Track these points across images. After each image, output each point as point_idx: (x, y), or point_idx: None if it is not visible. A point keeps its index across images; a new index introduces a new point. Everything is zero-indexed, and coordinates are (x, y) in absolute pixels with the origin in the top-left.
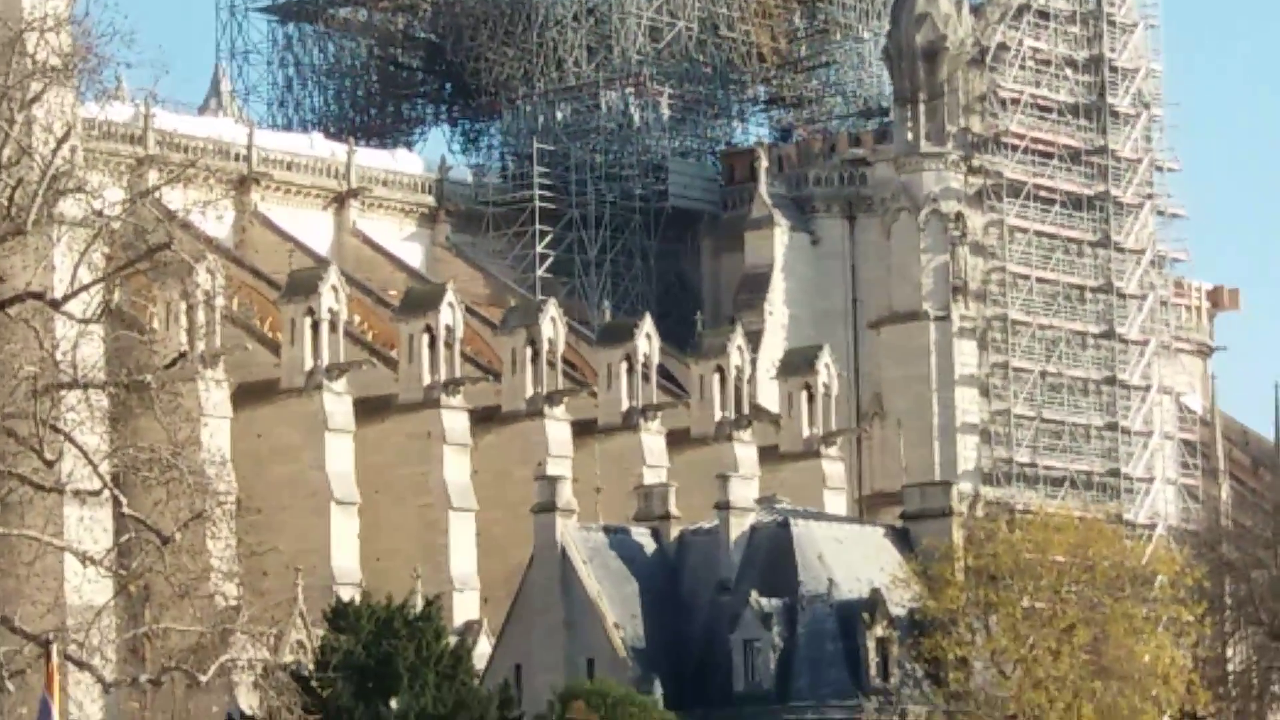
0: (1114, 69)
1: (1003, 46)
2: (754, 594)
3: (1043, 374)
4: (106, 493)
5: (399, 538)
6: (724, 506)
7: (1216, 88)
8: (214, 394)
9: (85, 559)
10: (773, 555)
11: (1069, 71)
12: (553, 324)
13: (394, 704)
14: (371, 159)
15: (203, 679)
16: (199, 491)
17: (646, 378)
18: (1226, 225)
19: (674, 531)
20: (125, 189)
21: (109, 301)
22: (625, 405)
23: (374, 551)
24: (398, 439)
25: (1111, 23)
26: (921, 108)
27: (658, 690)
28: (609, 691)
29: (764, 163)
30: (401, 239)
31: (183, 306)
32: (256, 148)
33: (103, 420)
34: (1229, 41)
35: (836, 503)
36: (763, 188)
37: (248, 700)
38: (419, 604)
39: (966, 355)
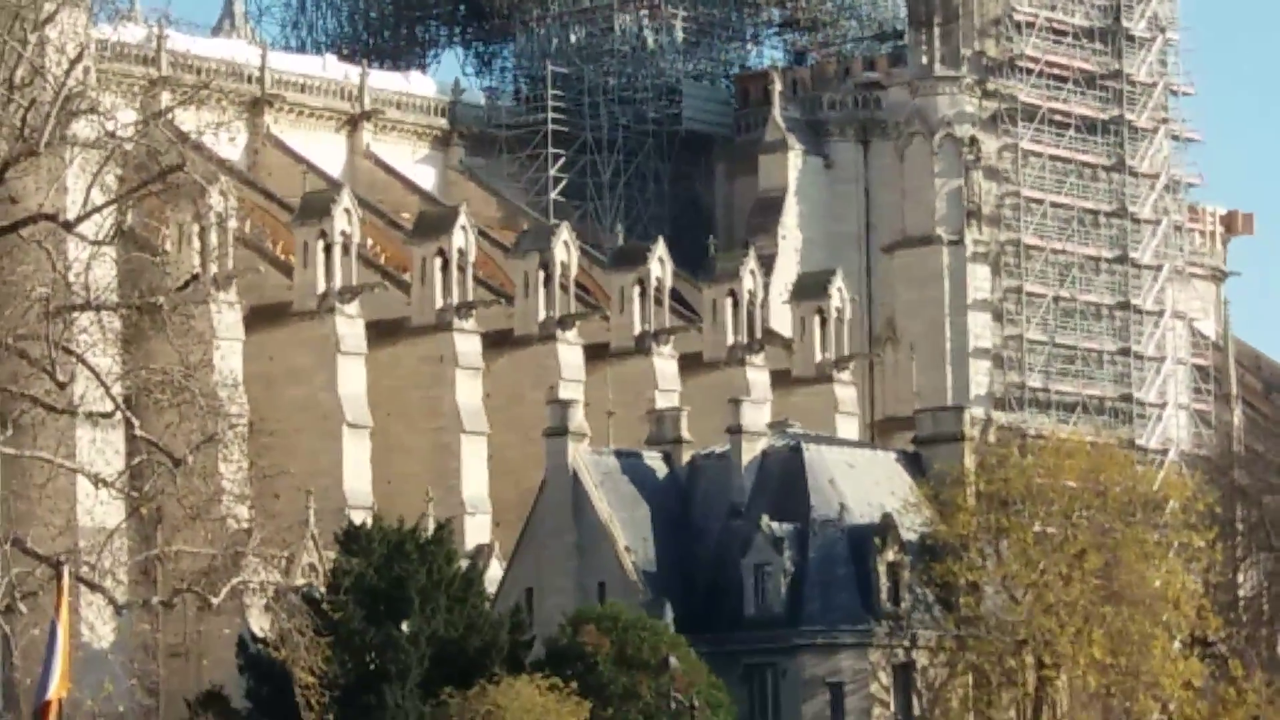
0: None
1: None
2: (765, 518)
3: (1056, 299)
4: (118, 415)
5: (411, 461)
6: (736, 431)
7: (1232, 11)
8: (226, 316)
9: (97, 481)
10: (784, 480)
11: None
12: (565, 248)
13: (405, 627)
14: (384, 81)
15: (214, 601)
16: (211, 414)
17: (659, 302)
18: (1241, 150)
19: (685, 456)
20: (138, 110)
21: (121, 223)
22: (637, 329)
23: (386, 475)
24: (410, 362)
25: None
26: (936, 31)
27: (668, 614)
28: (620, 615)
29: (778, 86)
30: (414, 162)
31: (195, 229)
32: (269, 70)
33: (115, 342)
34: None
35: (848, 427)
36: (776, 111)
37: (259, 623)
38: (430, 527)
39: (980, 280)
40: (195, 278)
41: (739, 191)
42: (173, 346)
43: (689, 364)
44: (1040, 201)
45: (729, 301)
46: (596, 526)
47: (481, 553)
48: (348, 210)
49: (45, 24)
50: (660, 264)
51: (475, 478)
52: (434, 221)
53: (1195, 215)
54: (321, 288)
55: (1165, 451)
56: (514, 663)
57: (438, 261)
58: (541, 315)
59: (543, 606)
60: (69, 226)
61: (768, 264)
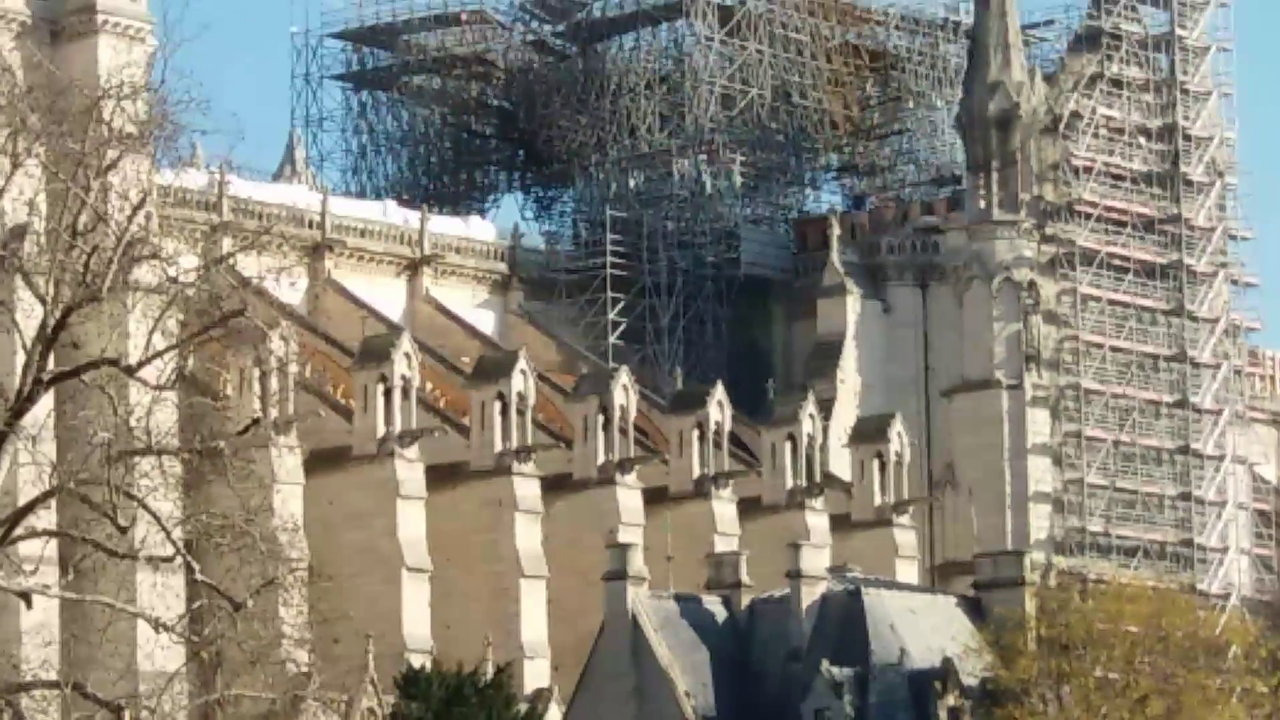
0: (1187, 137)
1: (1076, 115)
2: (825, 663)
3: (1116, 443)
4: (179, 559)
5: (470, 605)
6: (795, 575)
7: None
8: (287, 460)
9: (158, 625)
10: (844, 624)
11: (1142, 140)
12: (624, 391)
13: None
14: (444, 226)
15: None
16: (271, 558)
17: (718, 445)
18: None
19: (745, 600)
20: (200, 256)
21: (183, 368)
22: (697, 473)
23: (445, 618)
24: (469, 506)
25: (1185, 91)
26: (994, 176)
27: None
28: None
29: (836, 230)
30: (474, 306)
31: (256, 373)
32: (330, 215)
33: (176, 486)
34: None
35: (908, 572)
36: (835, 255)
37: None
38: (490, 671)
39: (1039, 424)
40: (256, 422)
41: (798, 335)
42: (233, 491)
43: (748, 508)
44: (1099, 346)
45: (788, 445)
46: (656, 671)
47: (540, 697)
48: (407, 354)
49: (108, 170)
50: (719, 408)
51: (534, 622)
52: (493, 366)
53: (1255, 360)
54: (381, 432)
55: (1227, 597)
56: None
57: (497, 405)
58: (601, 459)
59: None
60: (131, 371)
61: (826, 408)
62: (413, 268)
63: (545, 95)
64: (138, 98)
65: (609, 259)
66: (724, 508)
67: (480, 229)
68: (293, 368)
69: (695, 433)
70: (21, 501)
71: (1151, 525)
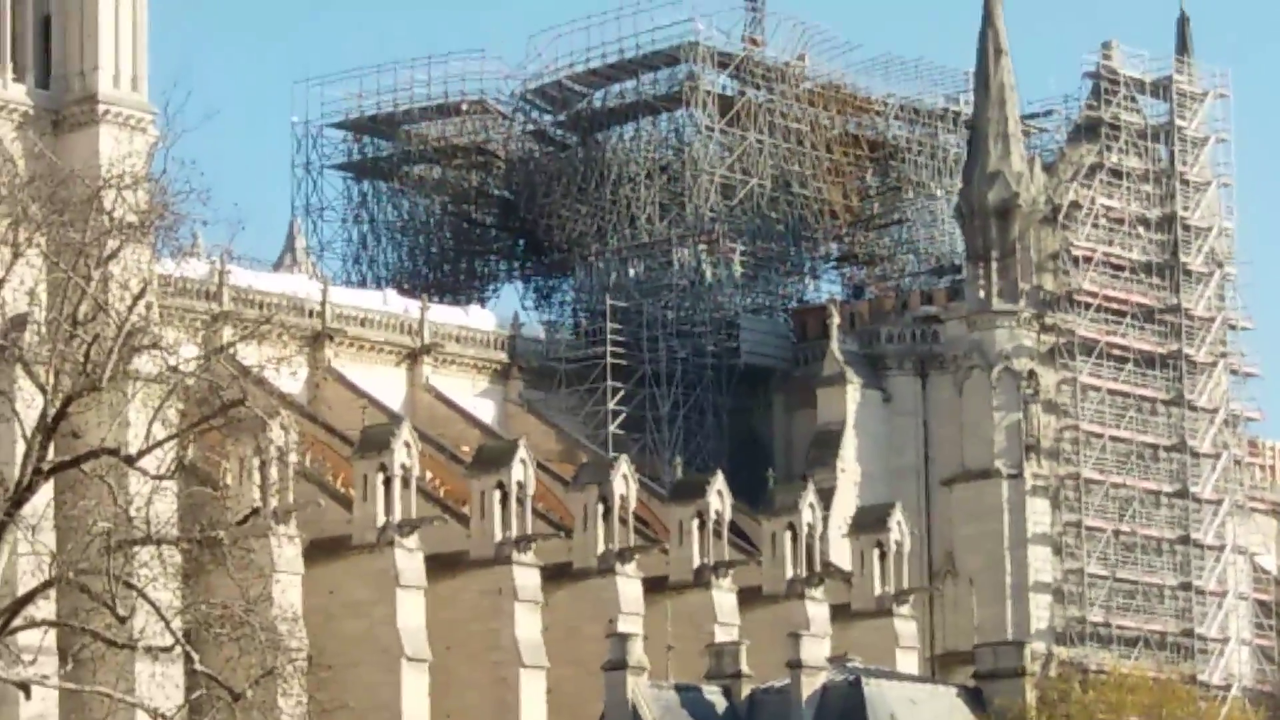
0: (1187, 227)
1: (1075, 204)
2: None
3: (1116, 533)
4: (178, 649)
5: (469, 694)
6: (796, 665)
7: None
8: (286, 550)
9: (157, 715)
10: (845, 715)
11: (1141, 230)
12: (624, 480)
13: None
14: (445, 315)
15: None
16: (270, 648)
17: (718, 534)
18: None
19: (745, 690)
20: (200, 345)
21: (182, 457)
22: (697, 562)
23: (444, 708)
24: (469, 595)
25: (1184, 181)
26: (994, 265)
27: None
28: None
29: (836, 319)
30: (474, 395)
31: (256, 462)
32: (330, 304)
33: (175, 576)
34: None
35: (909, 662)
36: (835, 344)
37: None
38: None
39: (1039, 513)
40: (255, 512)
41: (797, 424)
42: (233, 580)
43: (748, 597)
44: (1099, 435)
45: (788, 535)
46: None
47: None
48: (407, 444)
49: (109, 260)
50: (719, 497)
51: (534, 712)
52: (493, 455)
53: (1255, 450)
54: (381, 521)
55: (1228, 687)
56: None
57: (497, 494)
58: (600, 548)
59: None
60: (130, 461)
61: (826, 497)
62: (413, 357)
63: (545, 185)
64: (139, 187)
65: (609, 348)
66: (724, 597)
67: (480, 318)
68: (292, 457)
69: (695, 522)
70: (21, 591)
71: (1152, 615)
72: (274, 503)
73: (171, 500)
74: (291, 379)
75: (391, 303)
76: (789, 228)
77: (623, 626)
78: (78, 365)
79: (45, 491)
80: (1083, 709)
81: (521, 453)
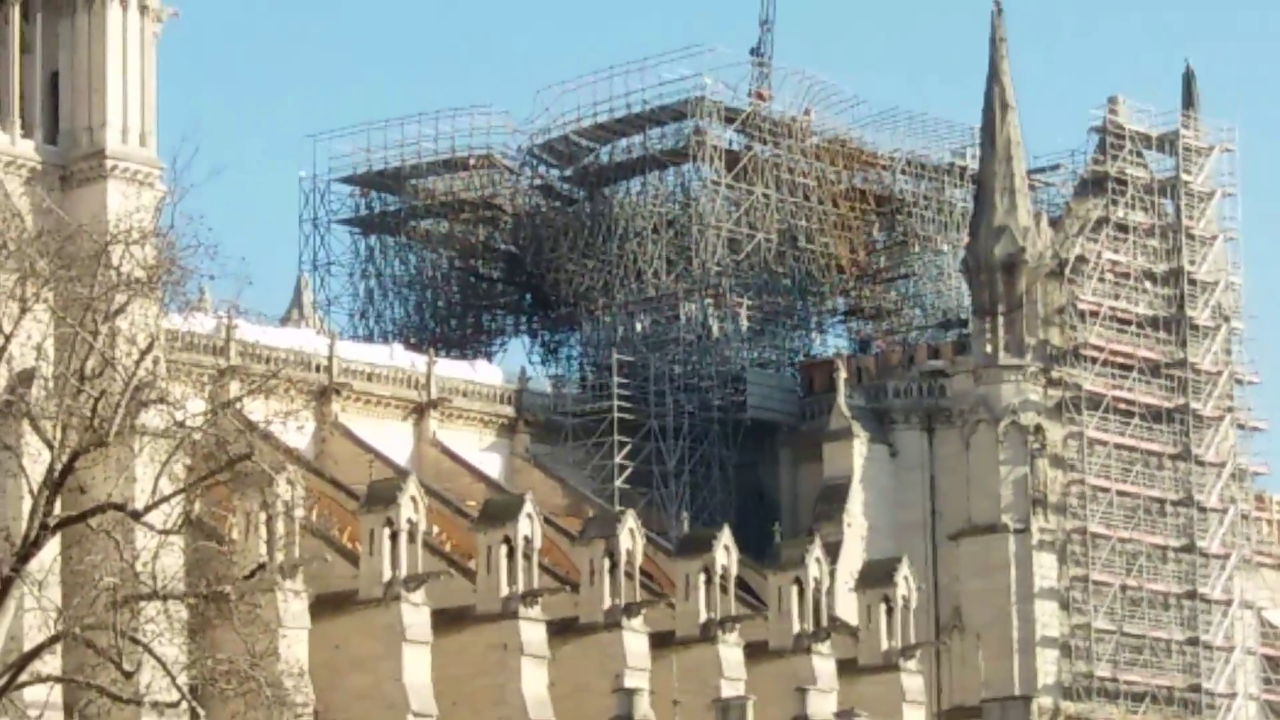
0: (1193, 282)
1: (1081, 259)
2: None
3: (1123, 588)
4: (185, 704)
5: None
6: None
7: None
8: (292, 605)
9: None
10: None
11: (1148, 284)
12: (631, 535)
13: None
14: (451, 370)
15: None
16: (277, 703)
17: (724, 589)
18: None
19: None
20: (207, 400)
21: (189, 512)
22: (703, 617)
23: None
24: (475, 650)
25: (1191, 236)
26: (1000, 320)
27: None
28: None
29: (843, 374)
30: (480, 449)
31: (262, 517)
32: (337, 358)
33: (181, 631)
34: None
35: (916, 717)
36: (841, 399)
37: None
38: None
39: (1046, 568)
40: (262, 567)
41: (804, 478)
42: (239, 635)
43: (755, 652)
44: (1106, 490)
45: (794, 589)
46: None
47: None
48: (414, 498)
49: (116, 315)
50: (725, 551)
51: None
52: (500, 509)
53: (1263, 504)
54: (387, 576)
55: None
56: None
57: (503, 549)
58: (607, 603)
59: None
60: (137, 516)
61: (833, 551)
62: (419, 411)
63: (552, 239)
64: (146, 243)
65: (615, 402)
66: (731, 652)
67: (487, 373)
68: (299, 512)
69: (702, 576)
70: (27, 647)
71: (1159, 670)
72: (280, 557)
73: (178, 555)
74: (298, 433)
75: (398, 357)
76: (795, 282)
77: (629, 682)
78: (85, 420)
79: (52, 547)
80: None
81: (528, 507)
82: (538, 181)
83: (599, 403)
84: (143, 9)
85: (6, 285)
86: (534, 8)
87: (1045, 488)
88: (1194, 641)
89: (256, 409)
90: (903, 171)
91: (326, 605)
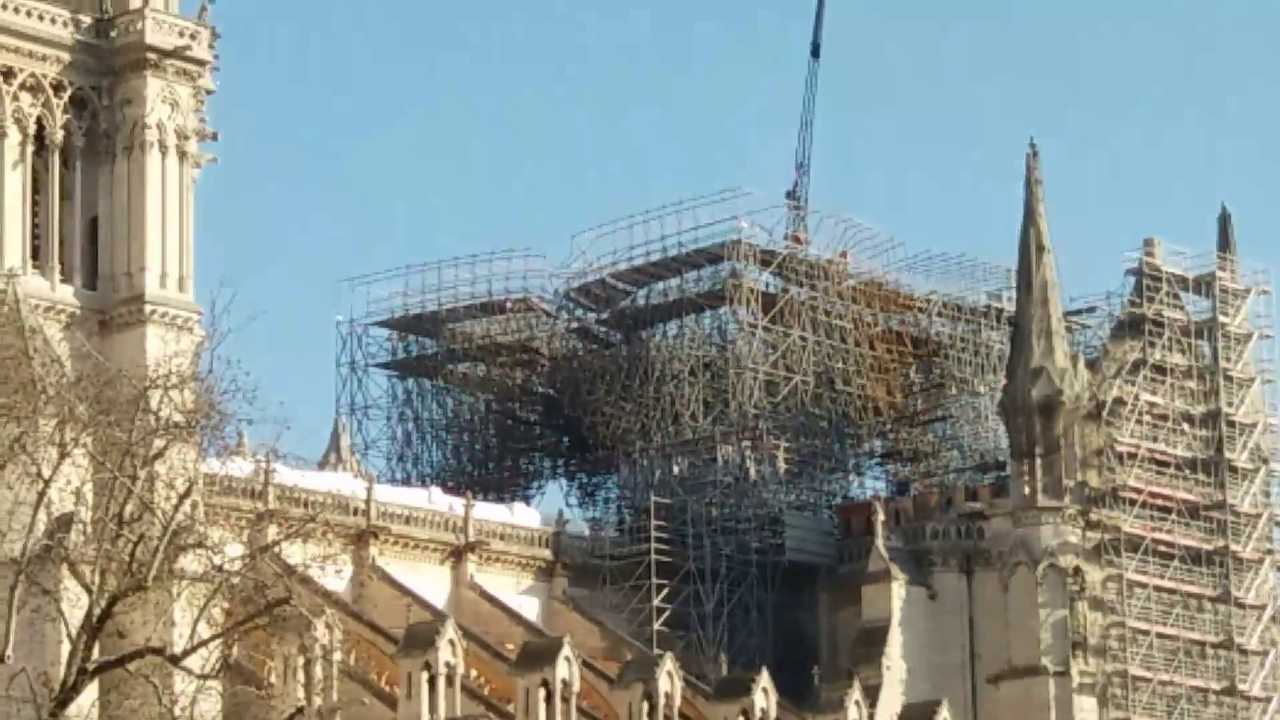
0: (1231, 423)
1: (1119, 401)
2: None
3: None
4: None
5: None
6: None
7: None
8: None
9: None
10: None
11: (1186, 426)
12: (669, 678)
13: None
14: (489, 513)
15: None
16: None
17: None
18: None
19: None
20: (245, 544)
21: (228, 656)
22: None
23: None
24: None
25: (1228, 378)
26: (1038, 462)
27: None
28: None
29: (881, 516)
30: (518, 592)
31: (300, 661)
32: (375, 502)
33: None
34: None
35: None
36: (879, 541)
37: None
38: None
39: (1086, 711)
40: (300, 711)
41: (843, 621)
42: None
43: None
44: (1146, 632)
45: None
46: None
47: None
48: (452, 641)
49: (155, 459)
50: (764, 694)
51: None
52: (538, 652)
53: None
54: (425, 719)
55: None
56: None
57: (541, 692)
58: None
59: None
60: (175, 660)
61: (872, 694)
62: (457, 554)
63: (589, 382)
64: (185, 387)
65: (653, 545)
66: None
67: (524, 515)
68: (337, 655)
69: (741, 719)
70: None
71: None
72: (318, 701)
73: (216, 700)
74: (336, 577)
75: (436, 500)
76: (832, 424)
77: None
78: (123, 564)
79: (90, 691)
80: None
81: (566, 650)
82: (574, 325)
83: (637, 545)
84: (181, 155)
85: (46, 430)
86: (569, 152)
87: (1085, 630)
88: None
89: (295, 553)
90: (939, 314)
91: None
